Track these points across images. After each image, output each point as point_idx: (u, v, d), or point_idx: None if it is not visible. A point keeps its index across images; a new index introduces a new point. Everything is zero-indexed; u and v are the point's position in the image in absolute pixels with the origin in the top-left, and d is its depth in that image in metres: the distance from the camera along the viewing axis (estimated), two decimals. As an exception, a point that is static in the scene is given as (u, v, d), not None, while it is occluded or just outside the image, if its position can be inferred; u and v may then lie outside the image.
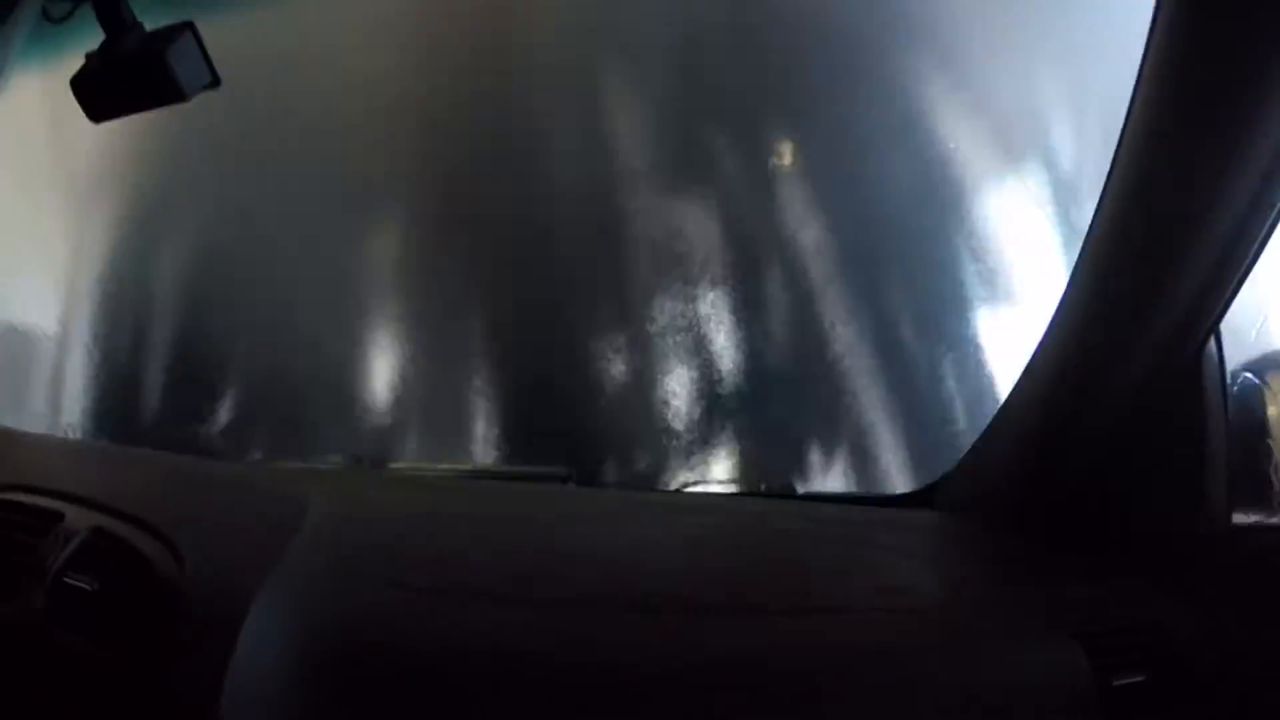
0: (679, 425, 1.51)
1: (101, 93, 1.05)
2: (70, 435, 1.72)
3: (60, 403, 1.81)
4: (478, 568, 0.96)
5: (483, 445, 1.61)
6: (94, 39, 1.00)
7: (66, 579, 0.84)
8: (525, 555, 1.00)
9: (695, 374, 1.58)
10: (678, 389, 1.55)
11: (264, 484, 1.13)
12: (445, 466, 1.60)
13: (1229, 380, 0.98)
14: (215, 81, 1.04)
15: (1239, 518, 0.99)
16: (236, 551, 0.95)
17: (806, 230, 1.69)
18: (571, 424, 1.58)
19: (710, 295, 1.64)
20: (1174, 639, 0.93)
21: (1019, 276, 1.70)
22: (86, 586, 0.84)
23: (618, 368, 1.61)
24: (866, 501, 1.32)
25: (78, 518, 0.91)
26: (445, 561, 0.97)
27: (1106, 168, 0.91)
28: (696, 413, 1.52)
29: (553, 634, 0.88)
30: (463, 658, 0.86)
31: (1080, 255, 0.96)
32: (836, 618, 0.90)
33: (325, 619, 0.87)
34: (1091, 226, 0.93)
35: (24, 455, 1.08)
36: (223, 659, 0.83)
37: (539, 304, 1.72)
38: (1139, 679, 0.87)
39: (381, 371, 1.69)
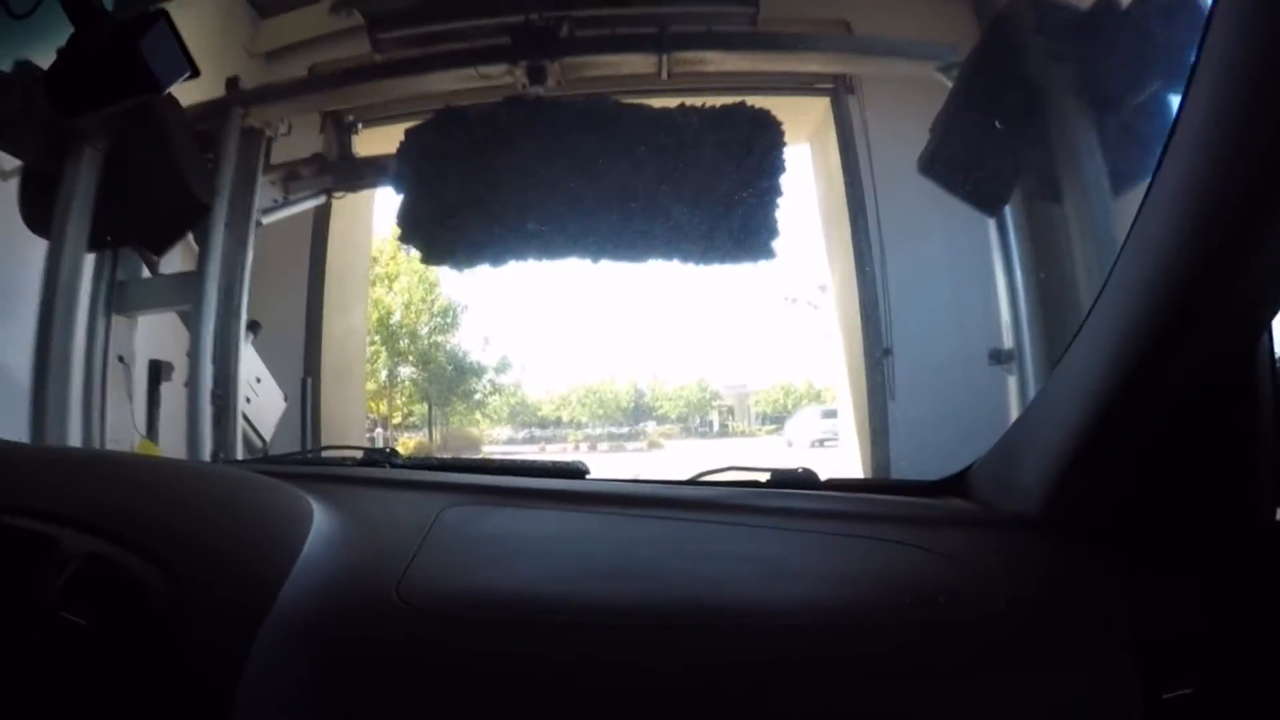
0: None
1: (73, 87, 0.99)
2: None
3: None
4: (489, 583, 0.92)
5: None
6: (61, 34, 0.94)
7: (63, 614, 0.81)
8: (538, 567, 0.96)
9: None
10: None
11: (265, 493, 1.09)
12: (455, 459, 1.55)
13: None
14: (194, 72, 0.98)
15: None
16: (238, 570, 0.91)
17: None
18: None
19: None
20: (1222, 648, 0.88)
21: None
22: (83, 622, 0.80)
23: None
24: (895, 489, 1.27)
25: (72, 542, 0.87)
26: (457, 577, 0.94)
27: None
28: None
29: (565, 651, 0.85)
30: (476, 677, 0.84)
31: (1127, 244, 0.89)
32: (873, 631, 0.86)
33: (338, 648, 0.85)
34: (1140, 216, 0.86)
35: (14, 471, 1.04)
36: (229, 685, 0.80)
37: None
38: (1188, 691, 0.83)
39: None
